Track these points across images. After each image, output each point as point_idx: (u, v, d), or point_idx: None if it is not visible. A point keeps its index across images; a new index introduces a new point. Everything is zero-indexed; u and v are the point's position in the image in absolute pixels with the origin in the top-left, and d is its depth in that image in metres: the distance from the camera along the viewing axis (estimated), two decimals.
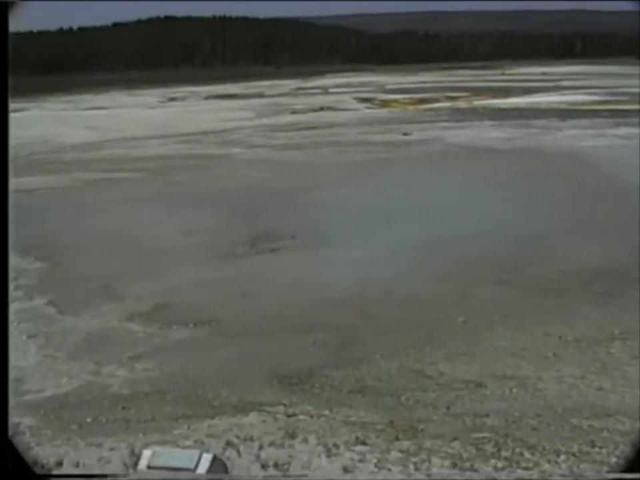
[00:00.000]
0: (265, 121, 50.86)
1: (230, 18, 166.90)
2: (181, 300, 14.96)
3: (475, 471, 8.62)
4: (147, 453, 8.97)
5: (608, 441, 9.14)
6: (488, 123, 44.62)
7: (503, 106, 55.74)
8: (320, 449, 9.18)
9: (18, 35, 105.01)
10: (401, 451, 9.05)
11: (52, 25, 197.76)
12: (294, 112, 56.71)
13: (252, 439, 9.40)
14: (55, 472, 8.57)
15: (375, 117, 52.27)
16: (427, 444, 9.19)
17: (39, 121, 55.22)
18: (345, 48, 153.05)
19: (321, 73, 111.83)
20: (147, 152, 37.60)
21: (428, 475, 8.49)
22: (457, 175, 27.51)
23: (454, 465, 8.72)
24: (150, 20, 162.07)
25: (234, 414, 10.17)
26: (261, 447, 9.23)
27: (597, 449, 8.97)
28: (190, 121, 51.62)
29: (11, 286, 15.64)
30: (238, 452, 9.15)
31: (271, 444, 9.30)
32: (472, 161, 30.64)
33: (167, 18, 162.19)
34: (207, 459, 8.83)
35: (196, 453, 8.98)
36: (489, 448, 9.06)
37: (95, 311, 14.58)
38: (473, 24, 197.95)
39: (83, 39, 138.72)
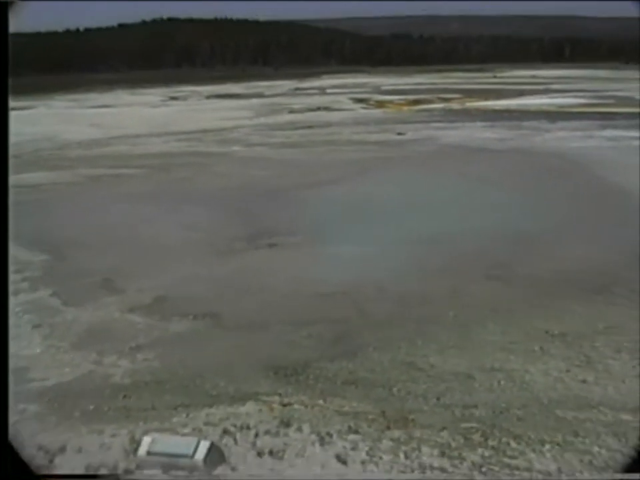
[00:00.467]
0: (263, 120, 50.96)
1: (230, 20, 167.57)
2: (180, 293, 15.07)
3: (463, 459, 8.93)
4: (146, 440, 9.29)
5: (591, 431, 9.41)
6: (480, 123, 44.76)
7: (494, 107, 55.87)
8: (314, 437, 9.39)
9: (25, 35, 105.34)
10: (392, 440, 9.27)
11: (59, 26, 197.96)
12: (291, 111, 56.87)
13: (248, 428, 9.61)
14: (55, 472, 8.72)
15: (370, 117, 52.28)
16: (417, 433, 9.42)
17: (45, 118, 55.40)
18: (342, 50, 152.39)
19: (317, 74, 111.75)
20: (149, 149, 37.72)
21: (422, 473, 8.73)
22: (450, 174, 27.69)
23: (442, 454, 8.95)
24: (154, 21, 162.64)
25: (231, 403, 10.34)
26: (256, 435, 9.45)
27: (580, 439, 9.22)
28: (191, 119, 51.81)
29: (18, 277, 15.92)
30: (234, 440, 9.37)
31: (267, 432, 9.51)
32: (464, 160, 30.79)
33: (169, 19, 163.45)
34: (204, 446, 9.12)
35: (194, 440, 9.30)
36: (477, 437, 9.29)
37: (97, 302, 14.70)
38: (467, 28, 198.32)
39: (89, 39, 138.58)
